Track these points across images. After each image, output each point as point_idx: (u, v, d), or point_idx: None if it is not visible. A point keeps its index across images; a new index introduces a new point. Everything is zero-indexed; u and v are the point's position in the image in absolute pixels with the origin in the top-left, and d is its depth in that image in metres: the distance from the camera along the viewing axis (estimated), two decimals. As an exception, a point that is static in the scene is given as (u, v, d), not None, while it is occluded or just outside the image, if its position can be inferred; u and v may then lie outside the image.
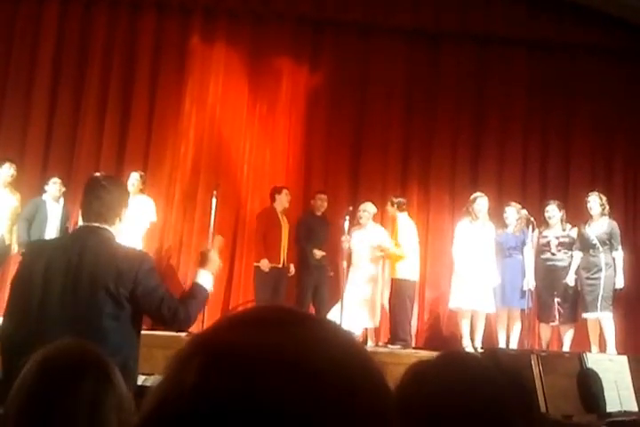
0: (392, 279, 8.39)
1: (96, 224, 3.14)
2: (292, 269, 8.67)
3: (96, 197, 3.16)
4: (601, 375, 4.78)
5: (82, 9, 9.72)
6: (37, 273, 3.03)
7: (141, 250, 3.50)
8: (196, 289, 3.29)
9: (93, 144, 9.45)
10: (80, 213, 3.27)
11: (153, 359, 4.80)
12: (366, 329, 8.51)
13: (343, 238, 8.27)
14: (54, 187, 8.38)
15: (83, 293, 2.98)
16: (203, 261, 3.39)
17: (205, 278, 3.33)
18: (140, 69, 9.70)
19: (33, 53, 9.54)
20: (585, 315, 7.82)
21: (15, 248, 8.09)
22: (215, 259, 3.42)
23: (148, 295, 3.05)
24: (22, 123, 9.36)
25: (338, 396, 0.65)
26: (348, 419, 0.65)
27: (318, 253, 8.57)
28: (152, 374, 3.78)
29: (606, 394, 4.69)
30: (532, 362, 4.85)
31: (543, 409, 4.56)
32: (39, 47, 9.56)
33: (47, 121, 9.44)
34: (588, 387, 4.65)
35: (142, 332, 3.21)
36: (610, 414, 4.58)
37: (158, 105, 9.64)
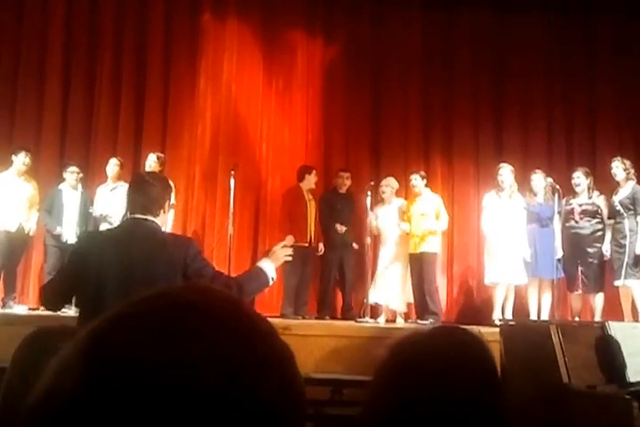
0: (417, 253, 8.17)
1: (141, 216, 3.33)
2: (321, 247, 8.61)
3: (141, 191, 3.37)
4: (624, 344, 4.64)
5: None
6: (91, 265, 3.22)
7: (186, 236, 3.61)
8: (256, 271, 3.47)
9: (109, 128, 9.41)
10: (126, 206, 3.49)
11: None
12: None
13: (369, 218, 8.24)
14: (71, 176, 8.41)
15: (137, 282, 3.14)
16: (269, 254, 3.58)
17: (268, 266, 3.48)
18: (153, 50, 9.62)
19: (43, 39, 9.49)
20: (615, 283, 7.65)
21: (32, 231, 8.29)
22: (280, 254, 3.57)
23: (199, 274, 3.25)
24: (37, 109, 9.34)
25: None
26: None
27: (340, 228, 8.49)
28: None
29: (629, 363, 4.55)
30: (552, 332, 4.74)
31: (566, 380, 4.46)
32: (49, 32, 9.50)
33: (62, 106, 9.41)
34: (607, 356, 4.51)
35: None
36: (632, 384, 4.44)
37: (173, 85, 9.56)
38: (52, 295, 3.43)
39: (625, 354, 4.61)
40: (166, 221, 3.61)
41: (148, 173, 4.16)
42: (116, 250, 3.24)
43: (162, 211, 3.40)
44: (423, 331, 1.50)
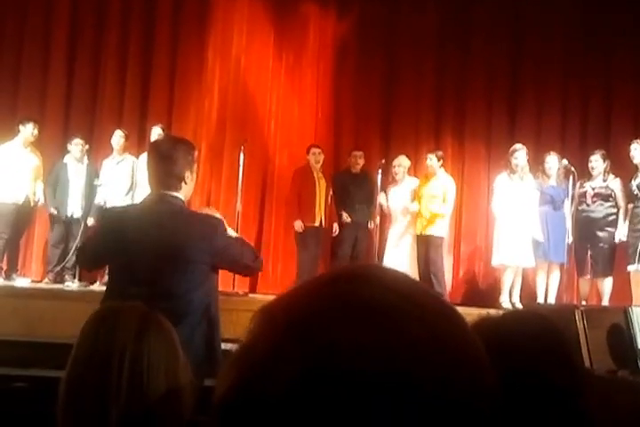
0: (425, 235, 8.12)
1: (165, 192, 3.22)
2: (336, 227, 8.47)
3: (161, 165, 3.23)
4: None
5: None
6: (118, 241, 3.15)
7: (212, 215, 3.57)
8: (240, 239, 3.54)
9: (115, 100, 9.26)
10: (147, 179, 3.33)
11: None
12: None
13: (379, 199, 8.20)
14: (76, 148, 8.28)
15: (165, 265, 3.12)
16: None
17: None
18: (161, 21, 9.41)
19: (49, 9, 9.29)
20: (628, 268, 7.56)
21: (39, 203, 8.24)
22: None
23: (226, 256, 3.26)
24: (42, 81, 9.17)
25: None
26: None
27: (345, 217, 8.36)
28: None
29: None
30: (577, 317, 4.69)
31: (587, 364, 4.42)
32: (55, 3, 9.29)
33: (67, 78, 9.23)
34: (625, 341, 4.48)
35: None
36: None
37: (180, 58, 9.37)
38: (88, 257, 3.49)
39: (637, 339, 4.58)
40: (190, 191, 3.41)
41: (168, 140, 4.01)
42: (142, 231, 3.16)
43: (184, 183, 3.26)
44: (494, 315, 1.51)
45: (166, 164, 3.22)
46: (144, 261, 3.11)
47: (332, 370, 0.56)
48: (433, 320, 0.61)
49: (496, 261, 8.06)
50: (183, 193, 3.29)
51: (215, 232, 3.22)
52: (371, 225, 8.48)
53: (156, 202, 3.27)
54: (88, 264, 3.87)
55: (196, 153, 3.50)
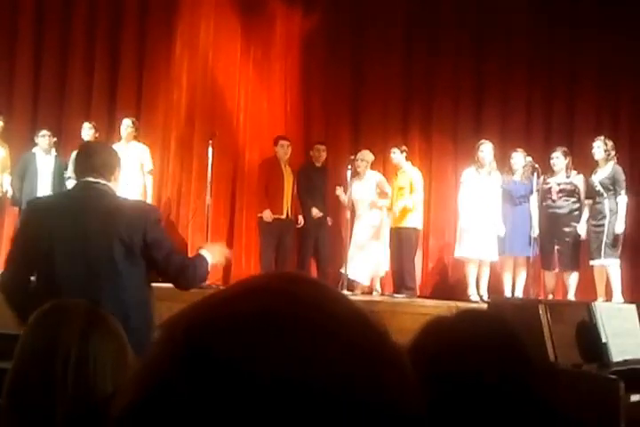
0: (398, 228, 8.22)
1: (93, 179, 3.12)
2: (301, 219, 8.51)
3: (89, 155, 3.18)
4: (609, 324, 4.68)
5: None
6: (43, 231, 3.02)
7: (145, 201, 3.46)
8: (202, 257, 3.27)
9: (83, 92, 9.22)
10: (74, 171, 3.30)
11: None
12: (372, 279, 8.48)
13: (337, 191, 8.28)
14: (43, 140, 8.25)
15: (95, 245, 3.00)
16: (207, 247, 3.43)
17: (208, 255, 3.30)
18: (128, 13, 9.38)
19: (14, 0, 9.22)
20: (591, 262, 7.73)
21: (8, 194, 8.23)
22: (218, 253, 3.40)
23: (158, 243, 3.06)
24: (8, 71, 9.11)
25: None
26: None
27: (315, 212, 8.42)
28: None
29: (613, 343, 4.59)
30: (540, 311, 4.74)
31: (552, 358, 4.48)
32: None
33: (34, 70, 9.19)
34: (591, 336, 4.56)
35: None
36: (615, 364, 4.48)
37: (148, 51, 9.34)
38: (13, 286, 3.10)
39: (609, 334, 4.65)
40: (118, 190, 3.33)
41: (95, 141, 4.00)
42: (70, 216, 3.03)
43: (113, 177, 3.17)
44: (449, 315, 1.55)
45: (95, 154, 3.18)
46: (69, 251, 2.99)
47: (231, 389, 0.53)
48: (353, 339, 0.58)
49: (458, 253, 8.16)
50: (113, 186, 3.19)
51: (147, 219, 3.09)
52: (329, 221, 8.60)
53: (84, 189, 3.16)
54: (16, 289, 3.09)
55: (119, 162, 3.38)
